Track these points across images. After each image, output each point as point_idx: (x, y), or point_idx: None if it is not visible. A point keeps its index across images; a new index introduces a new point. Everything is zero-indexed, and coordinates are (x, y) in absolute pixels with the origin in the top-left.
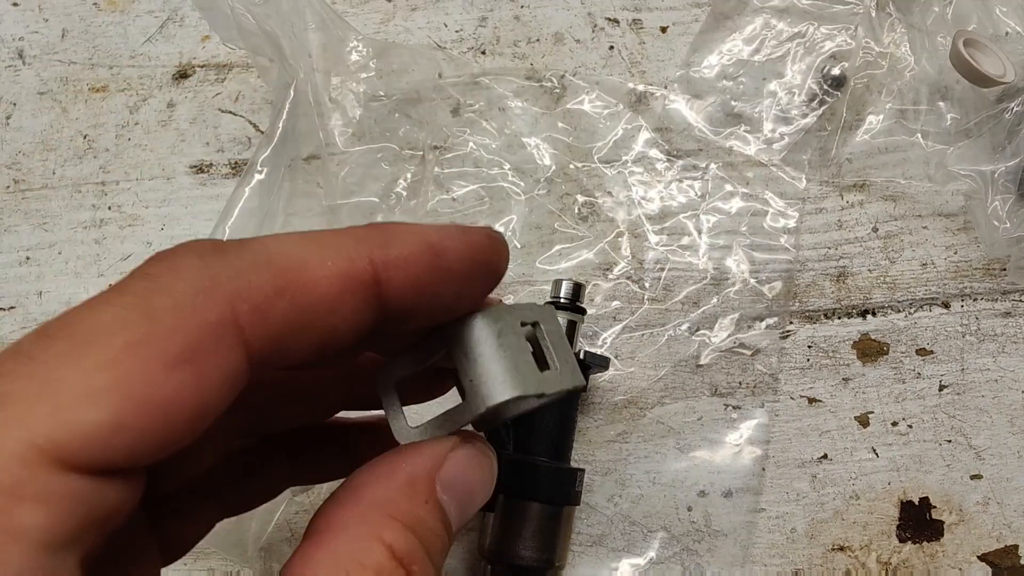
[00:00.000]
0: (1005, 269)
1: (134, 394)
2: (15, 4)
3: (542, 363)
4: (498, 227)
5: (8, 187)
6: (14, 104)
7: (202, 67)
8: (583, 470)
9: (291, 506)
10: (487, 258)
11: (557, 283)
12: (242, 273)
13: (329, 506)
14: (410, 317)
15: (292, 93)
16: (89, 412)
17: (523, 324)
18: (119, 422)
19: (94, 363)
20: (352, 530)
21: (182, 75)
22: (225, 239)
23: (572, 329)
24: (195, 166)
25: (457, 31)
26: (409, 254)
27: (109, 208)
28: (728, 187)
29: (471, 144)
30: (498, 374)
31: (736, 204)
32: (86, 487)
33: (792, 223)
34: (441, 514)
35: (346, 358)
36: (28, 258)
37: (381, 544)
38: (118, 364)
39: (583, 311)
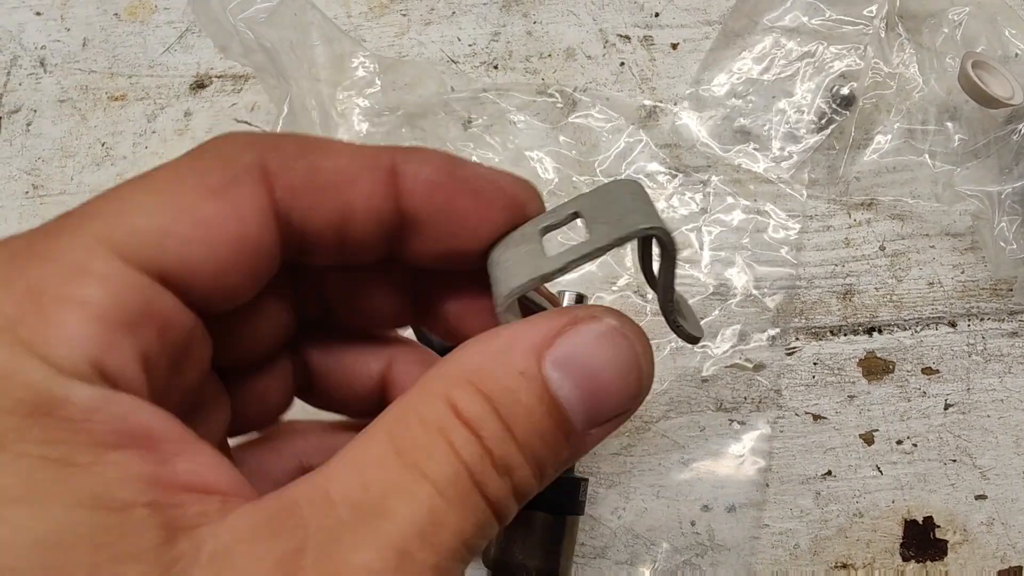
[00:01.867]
0: (1012, 289)
1: (179, 209)
2: (38, 14)
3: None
4: None
5: (27, 192)
6: (35, 111)
7: (219, 77)
8: (587, 480)
9: None
10: (515, 193)
11: (560, 295)
12: (274, 138)
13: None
14: (429, 229)
15: (286, 109)
16: (142, 219)
17: (547, 228)
18: (167, 228)
19: (151, 187)
20: (426, 387)
21: (199, 85)
22: None
23: None
24: None
25: (470, 45)
26: (429, 159)
27: None
28: (729, 199)
29: (475, 158)
30: (500, 279)
31: (737, 216)
32: (142, 281)
33: (793, 235)
34: (542, 392)
35: (376, 262)
36: None
37: (445, 403)
38: (167, 189)
39: None
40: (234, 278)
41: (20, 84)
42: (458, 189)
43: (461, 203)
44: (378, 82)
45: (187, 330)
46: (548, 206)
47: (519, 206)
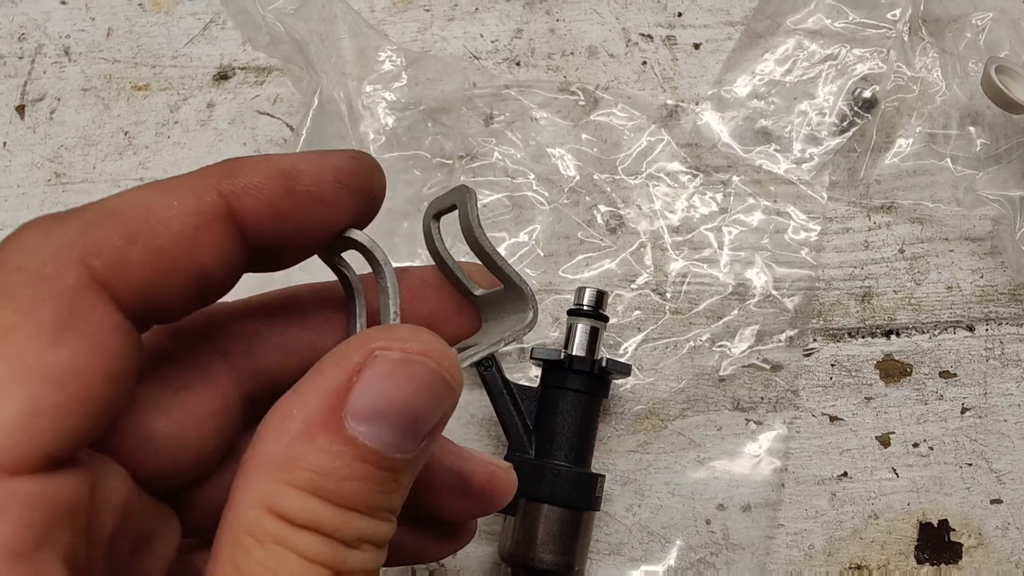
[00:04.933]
0: None
1: (31, 378)
2: (63, 3)
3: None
4: (522, 236)
5: (49, 180)
6: (58, 99)
7: (242, 69)
8: (603, 476)
9: None
10: (352, 180)
11: (580, 290)
12: (85, 231)
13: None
14: (282, 243)
15: (316, 101)
16: None
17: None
18: (32, 409)
19: None
20: (243, 501)
21: (222, 76)
22: None
23: (595, 336)
24: None
25: (493, 42)
26: (260, 181)
27: None
28: (750, 200)
29: (496, 154)
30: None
31: (757, 217)
32: (36, 487)
33: (813, 236)
34: (360, 453)
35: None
36: None
37: (270, 514)
38: (1, 355)
39: (605, 319)
40: (118, 407)
41: (44, 72)
42: (302, 205)
43: (311, 219)
44: (404, 76)
45: (97, 494)
46: (569, 202)
47: (370, 199)
